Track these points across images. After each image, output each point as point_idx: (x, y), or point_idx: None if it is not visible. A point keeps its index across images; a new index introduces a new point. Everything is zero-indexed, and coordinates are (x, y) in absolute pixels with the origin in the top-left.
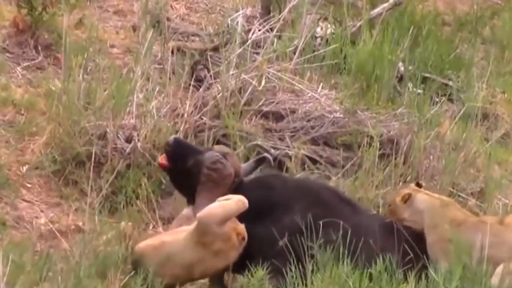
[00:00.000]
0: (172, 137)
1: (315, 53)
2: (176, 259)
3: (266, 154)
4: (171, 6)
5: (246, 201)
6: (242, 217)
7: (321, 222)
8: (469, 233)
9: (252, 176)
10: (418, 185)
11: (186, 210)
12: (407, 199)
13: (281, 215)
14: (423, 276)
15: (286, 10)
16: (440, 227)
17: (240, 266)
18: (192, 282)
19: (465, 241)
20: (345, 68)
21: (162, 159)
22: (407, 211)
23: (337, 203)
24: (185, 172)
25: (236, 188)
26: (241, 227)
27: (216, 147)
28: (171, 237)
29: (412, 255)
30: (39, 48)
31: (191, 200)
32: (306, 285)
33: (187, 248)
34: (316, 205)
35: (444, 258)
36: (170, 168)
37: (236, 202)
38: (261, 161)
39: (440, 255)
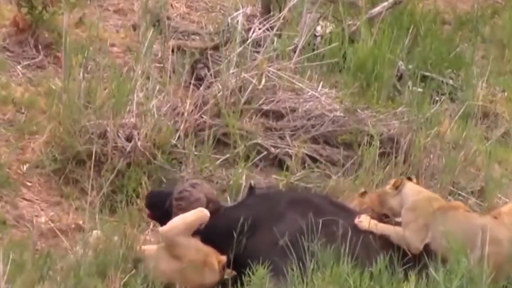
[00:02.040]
0: (148, 192)
1: (315, 52)
2: (158, 273)
3: (251, 182)
4: (171, 5)
5: (206, 211)
6: (231, 238)
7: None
8: (445, 220)
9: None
10: (409, 179)
11: None
12: (399, 184)
13: (274, 226)
14: (423, 275)
15: (286, 9)
16: (419, 210)
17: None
18: None
19: (442, 226)
20: (345, 67)
21: (148, 212)
22: (396, 199)
23: (329, 208)
24: (165, 214)
25: (218, 213)
26: (223, 257)
27: (187, 179)
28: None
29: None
30: (40, 47)
31: None
32: (306, 283)
33: (166, 260)
34: (308, 211)
35: (417, 238)
36: (154, 217)
37: (194, 212)
38: (251, 190)
39: (413, 235)
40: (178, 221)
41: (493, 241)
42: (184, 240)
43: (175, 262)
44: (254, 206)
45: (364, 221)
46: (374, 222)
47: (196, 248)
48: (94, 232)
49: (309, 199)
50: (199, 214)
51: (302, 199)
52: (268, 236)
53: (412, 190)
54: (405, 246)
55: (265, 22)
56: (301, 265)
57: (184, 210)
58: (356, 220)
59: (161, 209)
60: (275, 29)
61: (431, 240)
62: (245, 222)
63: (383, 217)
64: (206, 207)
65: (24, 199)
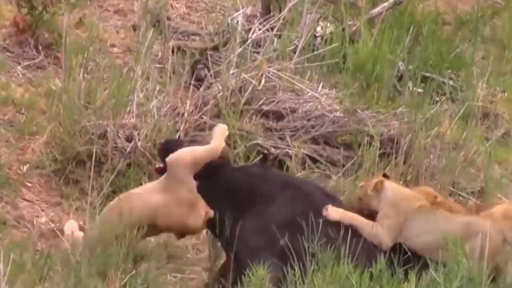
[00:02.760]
0: (163, 140)
1: (315, 52)
2: (142, 205)
3: (265, 152)
4: (171, 6)
5: (219, 145)
6: (225, 204)
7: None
8: (424, 219)
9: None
10: (385, 176)
11: None
12: (379, 187)
13: (265, 207)
14: (423, 275)
15: (286, 9)
16: (396, 208)
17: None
18: (156, 235)
19: (420, 225)
20: (345, 68)
21: (156, 165)
22: (376, 200)
23: (320, 197)
24: None
25: (225, 173)
26: (211, 212)
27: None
28: (140, 189)
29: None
30: (40, 47)
31: None
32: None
33: (153, 193)
34: (299, 198)
35: (389, 234)
36: (164, 170)
37: (206, 147)
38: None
39: (385, 232)
40: (186, 153)
41: (479, 235)
42: (183, 174)
43: (163, 194)
44: (253, 177)
45: (333, 212)
46: (342, 211)
47: (189, 187)
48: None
49: (300, 186)
50: (209, 149)
51: (294, 185)
52: (256, 218)
53: (392, 189)
54: (376, 241)
55: (265, 23)
56: (300, 265)
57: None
58: (324, 213)
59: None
60: (275, 29)
61: (405, 240)
62: (241, 190)
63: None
64: (221, 158)
65: (24, 199)
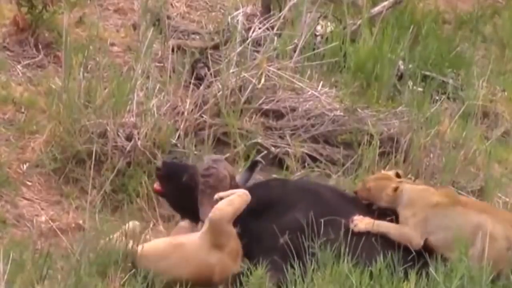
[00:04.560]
0: (160, 161)
1: (315, 51)
2: (199, 262)
3: (258, 158)
4: (171, 4)
5: (248, 194)
6: (243, 217)
7: (322, 221)
8: (443, 215)
9: (251, 182)
10: (398, 175)
11: (183, 223)
12: (397, 192)
13: (282, 214)
14: (423, 274)
15: (286, 8)
16: (417, 206)
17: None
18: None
19: (440, 221)
20: (345, 67)
21: (156, 185)
22: (392, 200)
23: (338, 201)
24: (181, 189)
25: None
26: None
27: (206, 157)
28: (185, 238)
29: (414, 253)
30: (40, 46)
31: (190, 216)
32: (306, 283)
33: (206, 250)
34: (317, 204)
35: (416, 232)
36: (165, 191)
37: (240, 195)
38: (254, 166)
39: (413, 229)
40: (227, 207)
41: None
42: (229, 228)
43: (216, 251)
44: (267, 189)
45: (359, 223)
46: (370, 221)
47: (235, 236)
48: (131, 222)
49: (319, 191)
50: (245, 198)
51: (312, 190)
52: (275, 224)
53: (409, 190)
54: (406, 242)
55: (265, 22)
56: (301, 264)
57: (212, 187)
58: (351, 225)
59: (177, 182)
60: (275, 28)
61: (428, 235)
62: (261, 203)
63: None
64: (230, 185)
65: (24, 198)
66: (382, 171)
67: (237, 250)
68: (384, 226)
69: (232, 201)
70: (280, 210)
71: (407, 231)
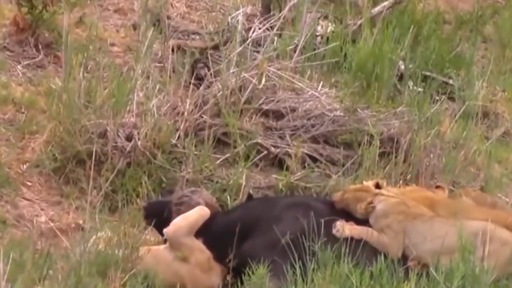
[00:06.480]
0: (145, 203)
1: (316, 51)
2: (172, 273)
3: (250, 191)
4: (172, 5)
5: (206, 209)
6: (229, 240)
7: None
8: (422, 226)
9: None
10: (378, 186)
11: None
12: (370, 210)
13: (270, 227)
14: (424, 274)
15: (287, 8)
16: (391, 219)
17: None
18: None
19: (417, 233)
20: (345, 67)
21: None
22: (367, 214)
23: (328, 213)
24: (164, 223)
25: (217, 218)
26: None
27: (185, 190)
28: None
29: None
30: (40, 46)
31: None
32: (306, 283)
33: (175, 260)
34: (308, 214)
35: (394, 243)
36: (153, 227)
37: (196, 211)
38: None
39: (391, 241)
40: (181, 222)
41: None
42: (188, 241)
43: (182, 263)
44: (252, 208)
45: (341, 229)
46: (350, 227)
47: (200, 249)
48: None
49: (308, 203)
50: (200, 212)
51: (301, 203)
52: (267, 236)
53: (382, 204)
54: (385, 251)
55: (265, 22)
56: (301, 264)
57: None
58: (334, 231)
59: (160, 218)
60: (275, 28)
61: (411, 247)
62: (243, 223)
63: None
64: (211, 214)
65: (24, 198)
66: (364, 182)
67: (208, 263)
68: (366, 233)
69: (187, 216)
70: (270, 224)
71: (385, 241)
